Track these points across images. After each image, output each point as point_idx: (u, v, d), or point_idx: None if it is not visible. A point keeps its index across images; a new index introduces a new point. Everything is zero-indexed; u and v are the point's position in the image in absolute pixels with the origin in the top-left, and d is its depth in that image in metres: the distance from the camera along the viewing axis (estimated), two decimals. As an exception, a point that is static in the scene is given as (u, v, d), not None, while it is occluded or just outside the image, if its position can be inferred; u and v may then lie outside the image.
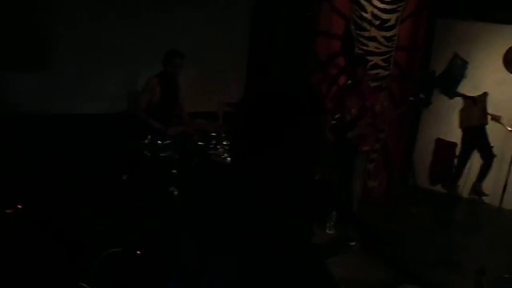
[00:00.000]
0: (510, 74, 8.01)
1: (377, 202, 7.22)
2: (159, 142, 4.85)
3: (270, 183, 1.31)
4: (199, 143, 5.34)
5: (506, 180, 7.30)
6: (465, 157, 8.23)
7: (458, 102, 8.29)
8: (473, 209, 8.19)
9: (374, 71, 6.70)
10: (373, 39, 6.57)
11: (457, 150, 8.36)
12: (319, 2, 6.03)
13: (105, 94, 5.30)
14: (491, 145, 7.98)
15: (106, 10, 5.11)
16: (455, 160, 8.37)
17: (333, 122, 5.74)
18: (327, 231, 5.76)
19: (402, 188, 8.10)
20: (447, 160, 8.47)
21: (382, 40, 6.69)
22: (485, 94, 8.05)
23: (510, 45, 7.95)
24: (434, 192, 8.55)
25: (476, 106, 8.01)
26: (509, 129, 7.65)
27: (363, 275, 4.88)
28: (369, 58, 6.52)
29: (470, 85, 8.23)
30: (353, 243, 5.51)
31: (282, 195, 1.33)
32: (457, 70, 8.33)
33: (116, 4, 5.20)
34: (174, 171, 4.85)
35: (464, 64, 8.31)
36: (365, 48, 6.51)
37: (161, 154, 4.82)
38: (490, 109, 8.00)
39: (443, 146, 8.54)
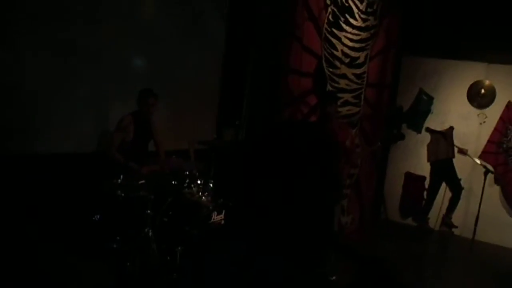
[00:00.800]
0: (474, 108, 8.16)
1: (350, 238, 7.15)
2: (134, 182, 4.69)
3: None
4: (173, 182, 5.20)
5: (478, 212, 7.39)
6: (434, 190, 8.28)
7: (426, 137, 8.38)
8: (443, 241, 8.20)
9: (346, 108, 6.71)
10: (343, 76, 6.60)
11: (426, 184, 8.41)
12: (289, 41, 6.04)
13: (75, 133, 5.13)
14: (459, 177, 8.06)
15: (75, 47, 4.97)
16: (425, 193, 8.42)
17: None
18: (330, 278, 5.61)
19: (374, 223, 8.07)
20: (416, 193, 8.50)
21: (352, 77, 6.73)
22: (451, 128, 8.16)
23: (473, 81, 8.13)
24: (405, 226, 8.55)
25: (443, 140, 8.11)
26: (477, 161, 7.76)
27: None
28: (340, 95, 6.53)
29: (436, 120, 8.35)
30: (333, 277, 5.41)
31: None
32: (423, 105, 8.45)
33: (87, 41, 5.08)
34: (148, 211, 4.65)
35: (430, 100, 8.44)
36: (336, 85, 6.53)
37: (135, 194, 4.64)
38: (456, 143, 8.12)
39: (412, 179, 8.58)
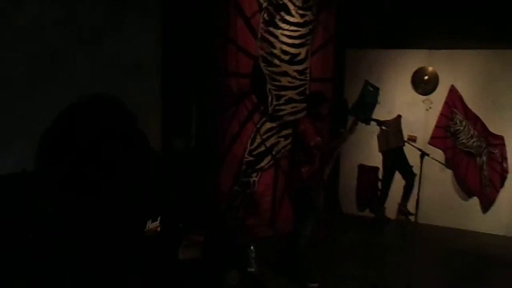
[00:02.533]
0: (419, 95, 8.09)
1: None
2: None
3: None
4: None
5: (418, 197, 7.25)
6: (388, 180, 8.17)
7: (375, 127, 8.23)
8: (401, 229, 8.09)
9: (290, 105, 6.51)
10: (284, 74, 6.40)
11: (380, 174, 8.29)
12: (224, 44, 5.83)
13: (10, 152, 4.83)
14: (411, 164, 7.96)
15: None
16: (379, 184, 8.30)
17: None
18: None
19: (331, 218, 7.92)
20: (371, 184, 8.37)
21: (294, 74, 6.54)
22: (399, 117, 8.06)
23: (415, 68, 8.06)
24: (363, 218, 8.41)
25: (391, 128, 8.00)
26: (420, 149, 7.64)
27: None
28: (283, 93, 6.35)
29: (384, 110, 8.23)
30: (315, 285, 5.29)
31: None
32: (369, 97, 8.32)
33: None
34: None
35: (376, 90, 8.32)
36: (277, 83, 6.33)
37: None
38: (405, 131, 8.03)
39: (365, 171, 8.45)
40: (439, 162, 7.01)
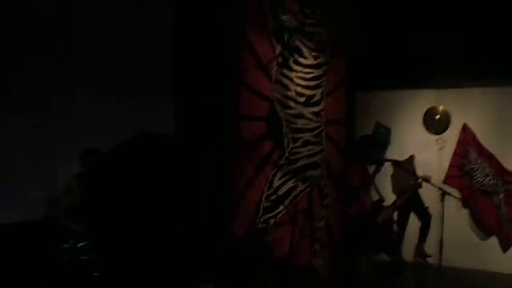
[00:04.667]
0: (432, 135, 7.90)
1: (323, 280, 6.62)
2: (78, 245, 4.42)
3: None
4: None
5: (441, 239, 6.97)
6: (403, 221, 7.88)
7: (388, 169, 8.01)
8: (419, 271, 7.78)
9: (307, 148, 6.26)
10: (300, 116, 6.17)
11: (395, 216, 7.99)
12: (236, 86, 5.63)
13: (20, 201, 4.61)
14: (426, 205, 7.69)
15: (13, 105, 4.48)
16: (394, 226, 7.99)
17: None
18: None
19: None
20: (387, 227, 8.05)
21: (310, 116, 6.32)
22: (411, 157, 7.84)
23: (426, 108, 7.91)
24: (378, 261, 8.06)
25: (404, 170, 7.76)
26: (439, 186, 7.40)
27: None
28: (300, 135, 6.11)
29: (396, 151, 8.01)
30: None
31: None
32: (381, 138, 8.12)
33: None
34: (96, 273, 4.23)
35: (387, 131, 8.13)
36: (294, 126, 6.09)
37: (82, 258, 4.34)
38: (418, 171, 7.79)
39: (380, 213, 8.15)
40: (458, 199, 6.76)
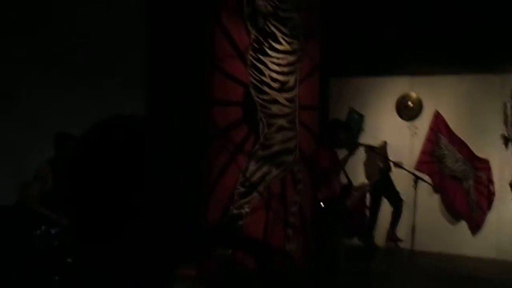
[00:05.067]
0: (404, 121, 7.97)
1: (297, 264, 6.68)
2: (51, 231, 4.34)
3: None
4: None
5: (413, 223, 7.06)
6: (375, 207, 7.93)
7: (362, 154, 8.05)
8: (391, 256, 7.87)
9: (281, 133, 6.27)
10: (274, 101, 6.17)
11: (367, 201, 8.06)
12: (211, 71, 5.57)
13: None
14: (398, 190, 7.77)
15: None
16: (367, 211, 8.06)
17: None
18: None
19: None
20: (358, 211, 8.11)
21: (284, 101, 6.32)
22: (384, 143, 7.89)
23: (399, 95, 7.96)
24: (351, 246, 8.13)
25: (378, 155, 7.81)
26: (412, 171, 7.48)
27: None
28: (274, 121, 6.11)
29: (369, 136, 8.04)
30: None
31: None
32: (354, 124, 8.16)
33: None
34: (69, 259, 4.23)
35: (360, 117, 8.17)
36: (268, 111, 6.09)
37: (54, 244, 4.29)
38: (391, 157, 7.85)
39: (353, 198, 8.22)
40: (430, 184, 6.85)
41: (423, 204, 7.63)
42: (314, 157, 5.53)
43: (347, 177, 5.69)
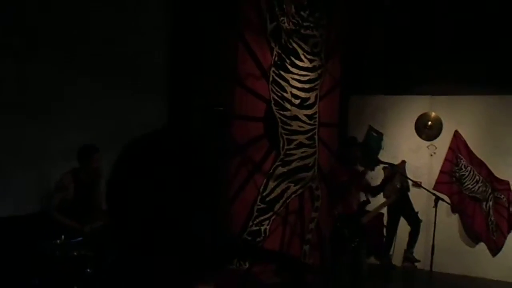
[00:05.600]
0: (423, 141, 7.92)
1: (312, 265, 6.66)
2: (71, 240, 4.35)
3: None
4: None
5: (433, 244, 6.99)
6: (392, 226, 7.87)
7: (379, 173, 8.01)
8: (407, 276, 7.79)
9: (300, 150, 6.27)
10: (295, 118, 6.18)
11: (385, 220, 8.00)
12: (232, 86, 5.60)
13: (14, 194, 4.54)
14: (416, 210, 7.71)
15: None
16: (384, 230, 7.99)
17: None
18: None
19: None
20: (376, 231, 8.05)
21: (304, 118, 6.33)
22: (403, 162, 7.82)
23: (419, 114, 7.92)
24: (368, 265, 8.05)
25: (397, 174, 7.76)
26: (432, 191, 7.41)
27: None
28: (294, 137, 6.12)
29: (388, 155, 8.00)
30: None
31: None
32: (373, 142, 8.13)
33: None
34: (88, 270, 4.26)
35: (379, 136, 8.14)
36: (288, 127, 6.10)
37: (74, 253, 4.27)
38: (409, 176, 7.80)
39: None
40: (450, 204, 6.78)
41: (442, 224, 7.56)
42: (331, 173, 5.56)
43: (366, 194, 5.71)
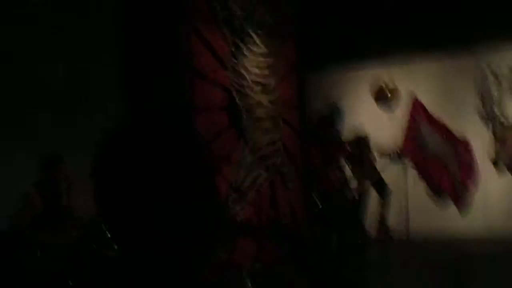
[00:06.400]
0: (383, 111, 8.00)
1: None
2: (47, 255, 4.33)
3: None
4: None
5: (407, 211, 7.12)
6: (364, 200, 7.94)
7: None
8: (383, 246, 7.90)
9: (268, 136, 6.23)
10: (258, 105, 6.13)
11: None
12: (190, 79, 5.48)
13: None
14: (385, 182, 7.80)
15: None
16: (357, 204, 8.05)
17: None
18: None
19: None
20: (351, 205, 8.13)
21: (267, 104, 6.28)
22: (366, 135, 7.91)
23: (378, 87, 7.99)
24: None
25: (363, 147, 7.82)
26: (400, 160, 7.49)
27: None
28: (259, 124, 6.08)
29: (350, 130, 8.07)
30: None
31: None
32: (336, 118, 8.15)
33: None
34: (70, 283, 4.26)
35: (340, 111, 8.17)
36: (252, 115, 6.05)
37: (53, 268, 4.28)
38: (375, 148, 7.88)
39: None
40: (416, 169, 6.91)
41: (412, 192, 7.71)
42: (305, 155, 5.52)
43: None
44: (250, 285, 5.12)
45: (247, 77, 5.98)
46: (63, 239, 4.58)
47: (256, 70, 6.11)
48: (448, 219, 7.90)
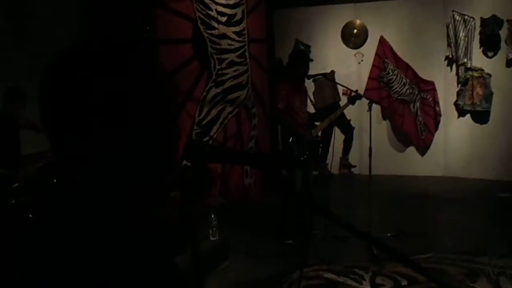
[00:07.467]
0: (350, 49, 7.93)
1: (256, 199, 6.69)
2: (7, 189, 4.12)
3: None
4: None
5: (370, 147, 7.17)
6: (327, 136, 7.99)
7: (310, 85, 8.01)
8: (345, 182, 8.03)
9: (233, 69, 6.09)
10: (224, 36, 5.94)
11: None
12: (153, 9, 5.23)
13: None
14: (348, 118, 7.83)
15: None
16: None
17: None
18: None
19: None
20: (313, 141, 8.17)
21: (233, 36, 6.10)
22: (332, 72, 7.86)
23: (344, 22, 7.86)
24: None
25: (327, 85, 7.79)
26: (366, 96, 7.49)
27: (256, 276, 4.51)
28: (224, 56, 5.92)
29: (317, 67, 7.99)
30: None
31: None
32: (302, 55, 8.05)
33: None
34: (30, 215, 4.05)
35: (307, 48, 8.08)
36: (218, 46, 5.87)
37: (12, 201, 4.07)
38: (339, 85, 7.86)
39: (304, 129, 8.24)
40: (381, 105, 6.95)
41: (374, 130, 7.75)
42: (272, 91, 5.45)
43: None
44: (214, 217, 5.12)
45: (212, 7, 5.77)
46: (22, 174, 4.45)
47: (222, 0, 5.90)
48: (408, 159, 8.04)
